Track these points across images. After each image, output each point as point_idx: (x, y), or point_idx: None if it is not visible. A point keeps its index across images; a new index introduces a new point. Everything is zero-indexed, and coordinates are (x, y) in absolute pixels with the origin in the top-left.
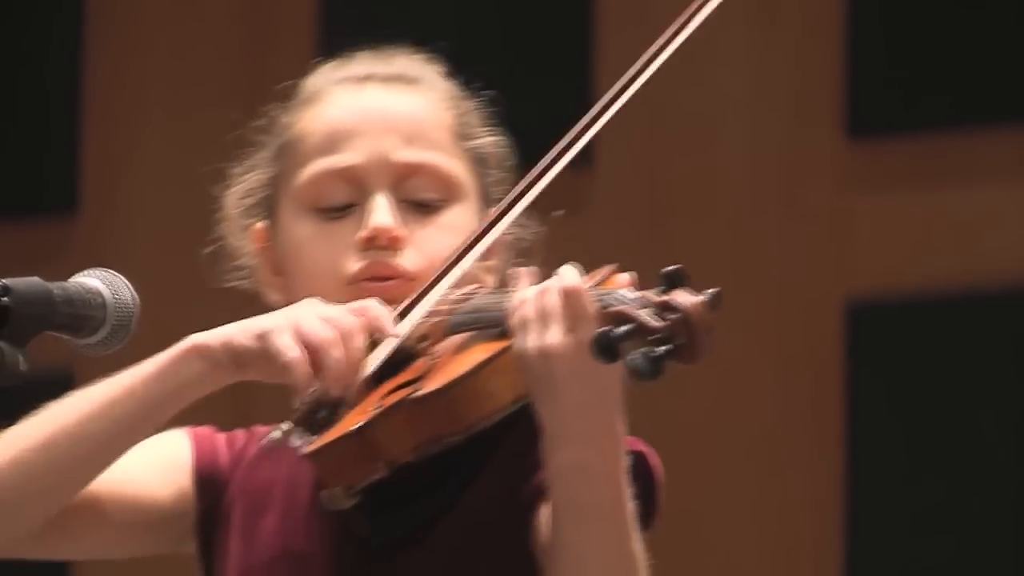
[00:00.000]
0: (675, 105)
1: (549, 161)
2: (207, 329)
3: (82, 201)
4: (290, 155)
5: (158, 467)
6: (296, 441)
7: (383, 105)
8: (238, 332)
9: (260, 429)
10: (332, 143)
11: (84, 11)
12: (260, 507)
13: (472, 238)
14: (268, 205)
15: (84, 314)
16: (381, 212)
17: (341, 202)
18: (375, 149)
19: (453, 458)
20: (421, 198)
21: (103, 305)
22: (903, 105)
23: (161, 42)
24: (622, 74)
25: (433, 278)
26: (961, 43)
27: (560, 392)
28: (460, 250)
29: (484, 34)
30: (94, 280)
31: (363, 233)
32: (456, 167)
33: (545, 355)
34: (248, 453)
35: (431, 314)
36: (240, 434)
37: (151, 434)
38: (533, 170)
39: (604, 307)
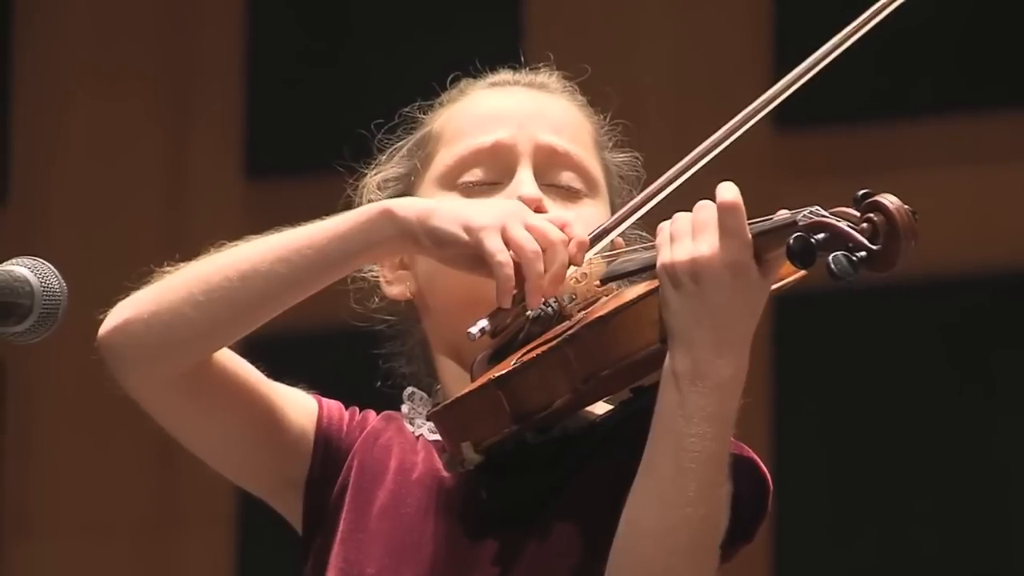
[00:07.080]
0: (598, 97)
1: (683, 165)
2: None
3: (11, 190)
4: (431, 145)
5: (294, 401)
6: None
7: (532, 99)
8: (441, 214)
9: (377, 415)
10: (480, 126)
11: (11, 2)
12: (375, 477)
13: (616, 219)
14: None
15: (11, 302)
16: (528, 184)
17: (487, 179)
18: (523, 128)
19: (569, 443)
20: (564, 183)
21: (31, 293)
22: (828, 97)
23: (88, 32)
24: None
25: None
26: (883, 37)
27: (699, 302)
28: (606, 226)
29: None
30: (21, 268)
31: None
32: (595, 167)
33: (693, 264)
34: (371, 429)
35: (581, 276)
36: (369, 412)
37: (318, 288)
38: (665, 174)
39: (776, 227)
